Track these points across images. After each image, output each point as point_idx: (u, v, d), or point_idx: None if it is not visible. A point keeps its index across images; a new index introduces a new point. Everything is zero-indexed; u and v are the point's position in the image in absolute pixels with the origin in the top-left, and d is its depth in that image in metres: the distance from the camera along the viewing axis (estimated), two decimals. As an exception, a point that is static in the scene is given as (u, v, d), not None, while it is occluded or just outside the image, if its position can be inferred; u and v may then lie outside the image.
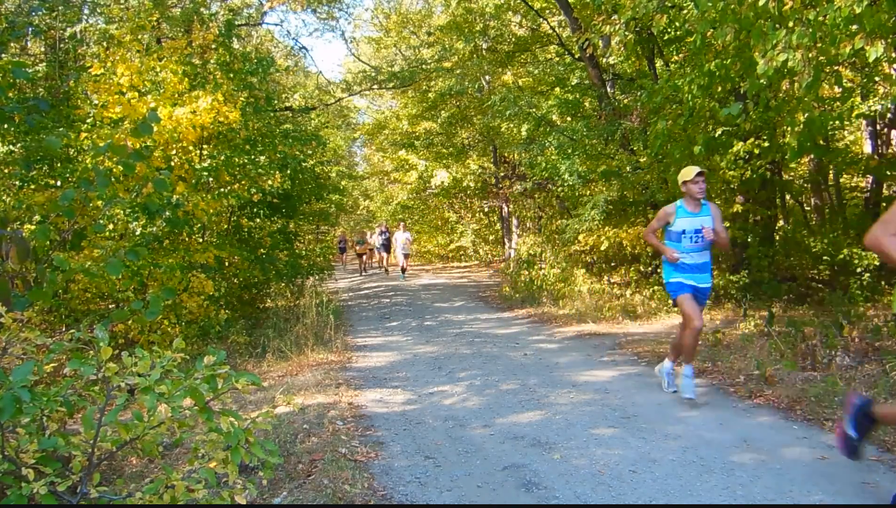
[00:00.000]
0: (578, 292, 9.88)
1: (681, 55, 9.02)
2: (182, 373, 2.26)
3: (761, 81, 4.48)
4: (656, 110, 7.78)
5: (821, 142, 9.02)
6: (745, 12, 4.45)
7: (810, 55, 4.05)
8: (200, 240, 7.52)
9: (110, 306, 6.57)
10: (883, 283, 8.59)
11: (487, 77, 16.77)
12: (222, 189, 7.13)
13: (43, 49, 11.78)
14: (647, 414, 4.15)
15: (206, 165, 6.99)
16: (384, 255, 17.58)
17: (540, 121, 11.21)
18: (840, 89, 5.73)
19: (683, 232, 4.31)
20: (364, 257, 19.63)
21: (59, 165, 6.82)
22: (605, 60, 11.02)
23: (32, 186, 6.81)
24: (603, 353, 6.31)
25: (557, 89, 13.18)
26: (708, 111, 6.57)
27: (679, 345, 4.45)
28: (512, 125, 13.12)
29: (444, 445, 3.72)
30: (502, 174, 18.27)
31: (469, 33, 14.93)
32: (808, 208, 11.67)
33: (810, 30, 3.99)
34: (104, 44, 8.75)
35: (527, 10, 14.13)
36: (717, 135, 6.65)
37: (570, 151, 9.84)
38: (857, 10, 3.70)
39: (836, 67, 5.30)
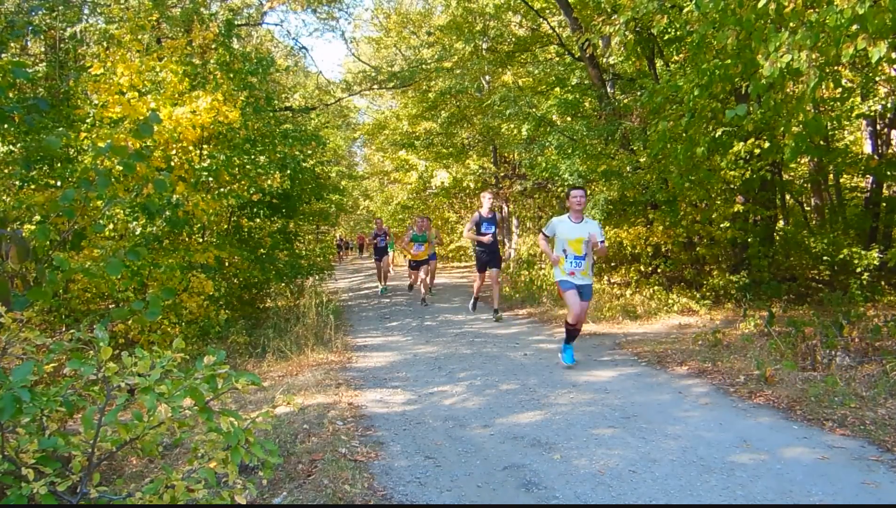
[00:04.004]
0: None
1: (681, 55, 9.02)
2: (182, 373, 2.26)
3: (763, 82, 4.49)
4: (656, 111, 7.79)
5: (821, 142, 9.03)
6: (747, 14, 4.45)
7: (813, 56, 4.04)
8: (200, 240, 7.52)
9: (110, 306, 6.57)
10: (883, 283, 8.59)
11: (487, 77, 16.77)
12: (222, 189, 7.13)
13: (43, 49, 11.80)
14: (647, 414, 4.14)
15: (205, 165, 6.98)
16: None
17: (540, 121, 11.21)
18: (840, 90, 5.74)
19: None
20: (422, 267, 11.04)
21: (59, 165, 6.83)
22: (605, 60, 11.03)
23: (32, 187, 6.82)
24: (603, 353, 6.30)
25: (557, 89, 13.18)
26: (709, 112, 6.57)
27: None
28: (512, 125, 13.13)
29: (444, 445, 3.72)
30: (502, 174, 18.27)
31: (469, 33, 14.94)
32: (808, 208, 11.67)
33: (815, 29, 3.99)
34: (104, 44, 8.76)
35: (527, 10, 14.13)
36: (717, 135, 6.65)
37: (570, 150, 9.85)
38: (861, 11, 3.69)
39: (836, 68, 5.30)
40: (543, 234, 5.86)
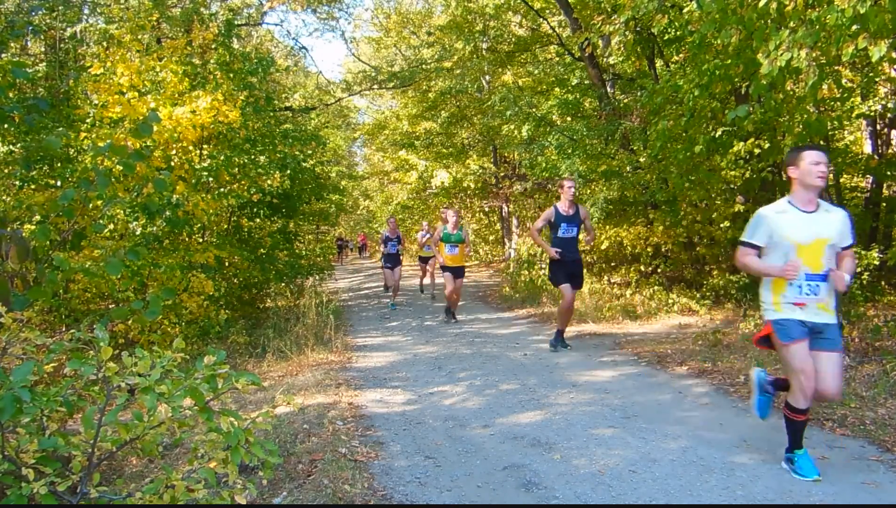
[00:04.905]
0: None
1: (681, 55, 9.02)
2: (182, 373, 2.26)
3: (763, 82, 4.49)
4: (656, 111, 7.78)
5: (821, 142, 9.03)
6: (748, 14, 4.45)
7: (814, 55, 4.05)
8: (200, 240, 7.52)
9: (110, 306, 6.57)
10: (883, 283, 8.59)
11: (487, 77, 16.79)
12: (222, 189, 7.13)
13: (43, 49, 11.80)
14: (647, 414, 4.14)
15: (206, 165, 6.99)
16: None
17: (540, 121, 11.21)
18: (840, 90, 5.73)
19: None
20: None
21: (59, 165, 6.83)
22: (605, 60, 11.03)
23: (32, 186, 6.82)
24: (603, 353, 6.30)
25: (557, 89, 13.19)
26: (709, 111, 6.57)
27: None
28: (512, 126, 13.13)
29: (444, 445, 3.72)
30: (502, 174, 18.28)
31: (469, 33, 14.95)
32: (808, 208, 11.64)
33: (816, 27, 3.99)
34: (104, 44, 8.75)
35: (527, 10, 14.14)
36: (717, 135, 6.66)
37: (570, 151, 9.85)
38: (862, 11, 3.70)
39: (836, 68, 5.30)
40: (749, 246, 3.16)
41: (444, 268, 8.56)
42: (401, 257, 10.97)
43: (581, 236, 6.55)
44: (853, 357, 4.96)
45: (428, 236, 11.06)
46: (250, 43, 17.36)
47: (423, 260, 11.76)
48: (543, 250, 6.32)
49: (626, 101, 10.61)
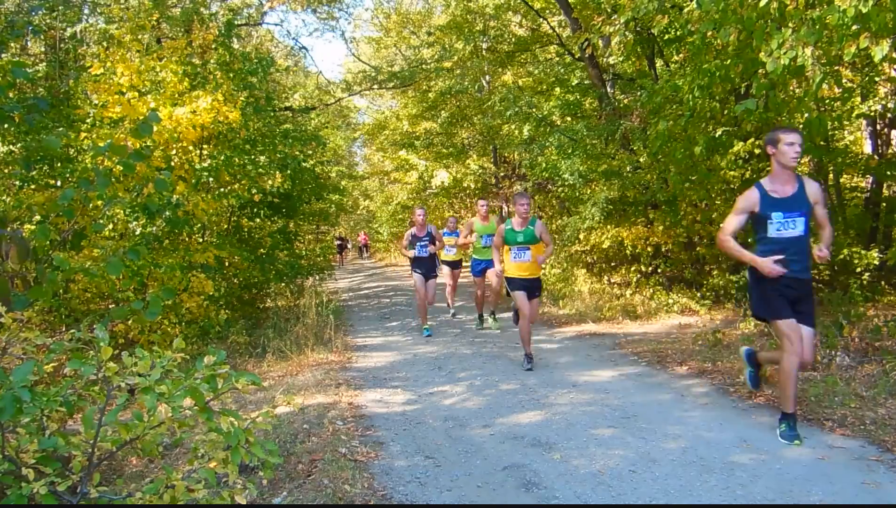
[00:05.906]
0: (578, 292, 9.88)
1: (681, 55, 9.02)
2: (182, 373, 2.26)
3: (764, 81, 4.49)
4: (656, 110, 7.78)
5: (821, 142, 9.04)
6: (748, 13, 4.45)
7: (817, 53, 4.05)
8: (200, 240, 7.52)
9: (110, 306, 6.57)
10: (883, 283, 8.58)
11: (487, 77, 16.78)
12: (222, 189, 7.13)
13: (43, 49, 11.79)
14: (647, 414, 4.14)
15: (206, 165, 6.99)
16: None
17: (540, 122, 11.21)
18: (840, 90, 5.73)
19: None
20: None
21: (59, 165, 6.83)
22: (605, 60, 11.03)
23: (32, 187, 6.82)
24: (603, 353, 6.30)
25: (558, 89, 13.18)
26: (708, 111, 6.57)
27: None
28: (513, 126, 13.10)
29: (444, 445, 3.72)
30: (502, 174, 18.27)
31: (469, 33, 14.94)
32: (808, 208, 11.63)
33: (817, 27, 3.99)
34: (104, 44, 8.75)
35: (527, 10, 14.14)
36: (717, 135, 6.65)
37: (570, 151, 9.85)
38: (864, 10, 3.69)
39: (836, 67, 5.30)
40: None
41: (510, 282, 5.76)
42: (437, 263, 7.94)
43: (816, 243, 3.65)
44: (853, 357, 4.96)
45: (453, 235, 8.83)
46: (250, 43, 17.35)
47: (451, 265, 8.94)
48: (748, 263, 3.59)
49: (626, 101, 10.60)
